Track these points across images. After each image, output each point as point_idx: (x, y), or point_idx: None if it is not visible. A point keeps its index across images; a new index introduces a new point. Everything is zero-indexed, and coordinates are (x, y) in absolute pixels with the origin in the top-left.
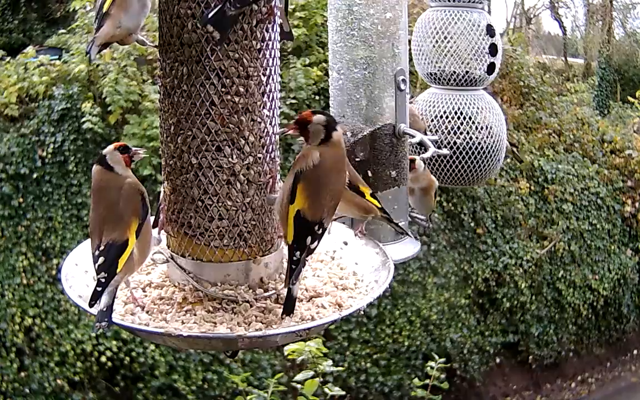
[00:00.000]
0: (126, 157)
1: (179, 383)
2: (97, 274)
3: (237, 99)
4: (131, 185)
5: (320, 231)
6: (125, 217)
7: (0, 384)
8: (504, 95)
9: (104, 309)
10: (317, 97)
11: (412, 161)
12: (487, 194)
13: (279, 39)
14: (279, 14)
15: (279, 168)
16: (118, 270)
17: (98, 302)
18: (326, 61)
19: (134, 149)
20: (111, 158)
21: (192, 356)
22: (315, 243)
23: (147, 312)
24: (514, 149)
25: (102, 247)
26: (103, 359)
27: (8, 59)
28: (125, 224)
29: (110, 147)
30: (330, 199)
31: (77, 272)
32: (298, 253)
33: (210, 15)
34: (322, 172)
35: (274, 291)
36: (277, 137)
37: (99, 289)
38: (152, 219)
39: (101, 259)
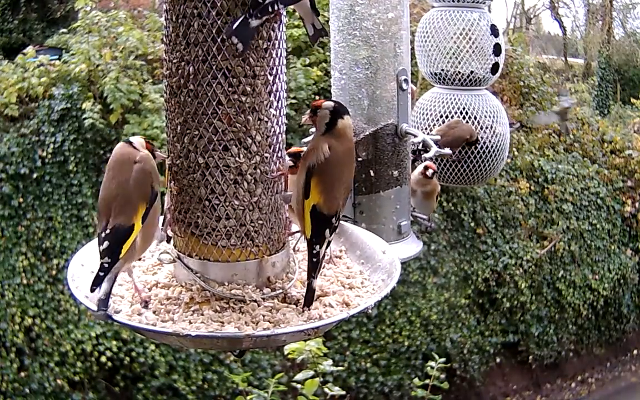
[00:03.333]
0: (149, 145)
1: (179, 383)
2: (101, 258)
3: (243, 98)
4: (145, 161)
5: (337, 223)
6: (133, 199)
7: (0, 384)
8: (504, 95)
9: (103, 297)
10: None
11: (427, 168)
12: (487, 194)
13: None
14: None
15: (287, 166)
16: (121, 256)
17: (99, 288)
18: (326, 61)
19: (157, 149)
20: (136, 140)
21: (192, 356)
22: (333, 235)
23: (154, 312)
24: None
25: (108, 231)
26: (103, 359)
27: (6, 62)
28: (132, 208)
29: (138, 137)
30: (343, 191)
31: (84, 273)
32: (317, 247)
33: (234, 26)
34: (333, 165)
35: (281, 290)
36: (284, 135)
37: (101, 274)
38: (160, 218)
39: (106, 243)
